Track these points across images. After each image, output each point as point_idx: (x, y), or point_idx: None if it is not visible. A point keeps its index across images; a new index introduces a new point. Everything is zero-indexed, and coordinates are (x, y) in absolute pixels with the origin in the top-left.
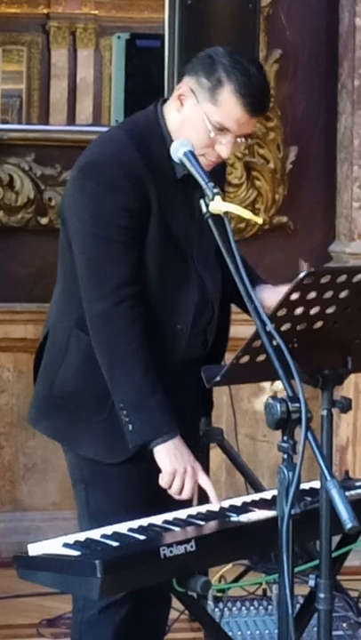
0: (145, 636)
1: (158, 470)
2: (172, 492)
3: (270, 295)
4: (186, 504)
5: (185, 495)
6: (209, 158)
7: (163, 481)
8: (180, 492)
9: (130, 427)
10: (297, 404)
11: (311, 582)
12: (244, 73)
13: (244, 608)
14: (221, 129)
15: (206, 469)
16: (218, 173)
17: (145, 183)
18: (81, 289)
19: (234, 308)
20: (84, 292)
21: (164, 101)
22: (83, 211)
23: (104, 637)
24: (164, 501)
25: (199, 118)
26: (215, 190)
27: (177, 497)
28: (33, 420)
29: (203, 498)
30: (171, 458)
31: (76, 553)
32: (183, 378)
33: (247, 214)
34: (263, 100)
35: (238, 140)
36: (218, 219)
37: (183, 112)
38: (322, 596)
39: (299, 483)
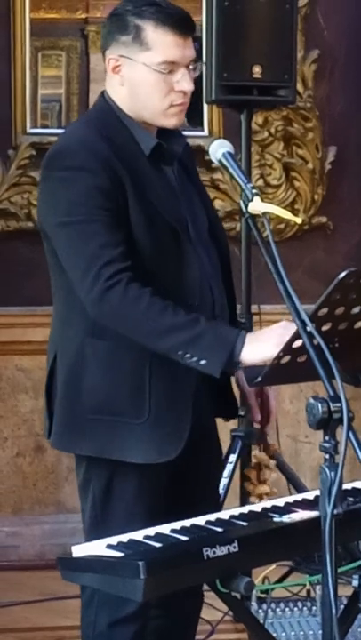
0: None
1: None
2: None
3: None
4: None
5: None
6: (178, 102)
7: None
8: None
9: (202, 362)
10: (338, 404)
11: (355, 582)
12: (151, 4)
13: (287, 609)
14: (169, 69)
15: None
16: (186, 158)
17: (113, 164)
18: (74, 284)
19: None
20: (78, 283)
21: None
22: (54, 201)
23: None
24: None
25: (143, 72)
26: (254, 191)
27: None
28: (65, 446)
29: None
30: (262, 350)
31: (119, 554)
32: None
33: (286, 215)
34: (184, 16)
35: (190, 67)
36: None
37: (126, 80)
38: None
39: (341, 483)
